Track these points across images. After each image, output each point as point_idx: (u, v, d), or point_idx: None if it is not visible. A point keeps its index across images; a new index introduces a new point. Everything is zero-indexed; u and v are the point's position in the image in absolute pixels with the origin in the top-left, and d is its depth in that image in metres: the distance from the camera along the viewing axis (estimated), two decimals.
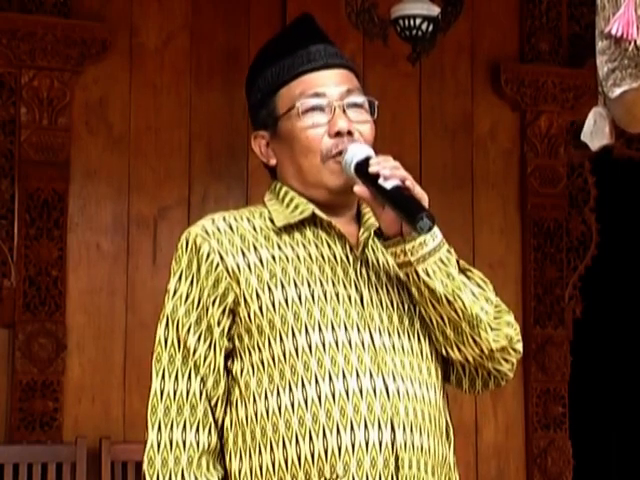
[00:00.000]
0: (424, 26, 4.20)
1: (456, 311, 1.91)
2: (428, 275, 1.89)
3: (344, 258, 1.94)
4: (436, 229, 1.90)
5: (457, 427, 4.89)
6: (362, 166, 1.90)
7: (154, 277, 4.36)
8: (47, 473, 4.09)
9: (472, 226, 4.92)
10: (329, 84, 1.97)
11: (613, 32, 1.97)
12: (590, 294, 5.16)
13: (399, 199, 1.85)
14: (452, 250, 1.94)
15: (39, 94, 4.33)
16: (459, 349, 1.95)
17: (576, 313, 5.01)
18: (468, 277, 1.96)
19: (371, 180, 1.87)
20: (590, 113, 2.13)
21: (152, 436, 1.89)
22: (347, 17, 4.29)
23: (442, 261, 1.90)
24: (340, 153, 1.94)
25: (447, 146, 4.92)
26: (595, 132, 2.11)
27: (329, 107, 1.96)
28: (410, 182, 1.87)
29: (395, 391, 1.86)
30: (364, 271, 1.94)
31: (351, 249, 1.95)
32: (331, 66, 1.99)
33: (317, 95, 1.96)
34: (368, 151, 1.93)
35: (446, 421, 1.99)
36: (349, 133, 1.95)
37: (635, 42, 1.97)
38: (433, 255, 1.89)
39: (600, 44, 2.02)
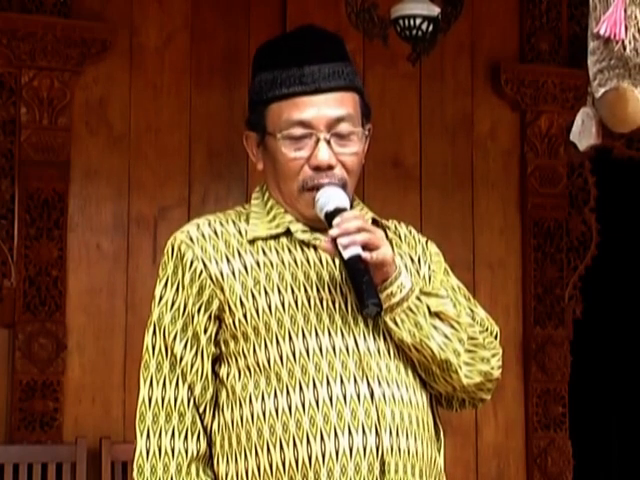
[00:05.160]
0: (424, 26, 4.20)
1: (425, 357, 1.92)
2: (396, 324, 1.89)
3: (330, 261, 1.93)
4: (404, 277, 1.89)
5: (457, 427, 4.92)
6: (329, 218, 1.88)
7: (154, 277, 4.31)
8: (47, 473, 4.09)
9: (472, 226, 4.92)
10: (317, 112, 1.93)
11: (602, 32, 1.98)
12: (590, 294, 5.16)
13: (353, 274, 1.84)
14: (422, 297, 1.92)
15: (39, 94, 4.33)
16: (432, 387, 1.98)
17: (576, 313, 5.01)
18: (441, 319, 1.94)
19: (333, 240, 1.85)
20: (578, 113, 2.14)
21: (141, 444, 1.91)
22: (347, 17, 4.29)
23: (411, 309, 1.90)
24: (317, 187, 1.92)
25: (447, 146, 4.92)
26: (583, 132, 2.13)
27: (313, 137, 1.93)
28: (368, 253, 1.83)
29: (381, 395, 1.86)
30: None
31: None
32: (324, 90, 1.94)
33: (302, 124, 1.93)
34: (338, 202, 1.90)
35: (435, 423, 1.99)
36: (329, 167, 1.92)
37: (622, 42, 1.97)
38: (401, 305, 1.89)
39: (591, 44, 2.03)
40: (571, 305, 5.01)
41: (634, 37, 1.98)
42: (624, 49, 1.97)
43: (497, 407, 4.81)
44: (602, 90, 2.02)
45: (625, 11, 1.96)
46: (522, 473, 4.89)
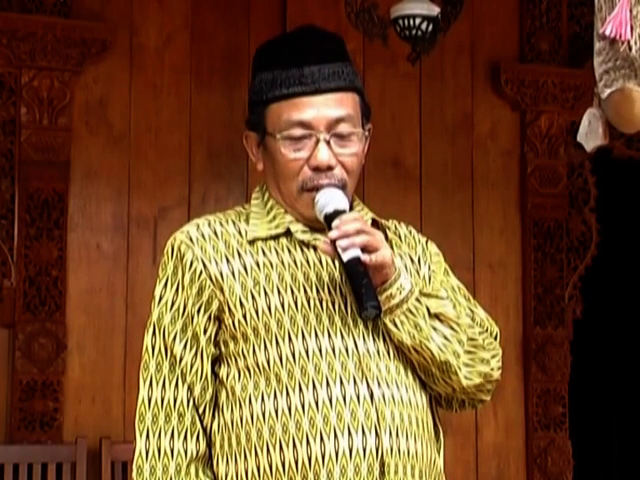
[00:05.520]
0: (424, 26, 4.20)
1: (425, 359, 1.92)
2: (396, 326, 1.89)
3: (330, 262, 1.93)
4: (403, 279, 1.89)
5: (457, 427, 4.92)
6: (329, 220, 1.88)
7: (154, 277, 4.31)
8: (47, 473, 4.09)
9: (472, 226, 4.92)
10: (317, 112, 1.92)
11: (607, 33, 1.98)
12: (590, 294, 5.16)
13: (352, 276, 1.84)
14: (422, 298, 1.92)
15: (39, 94, 4.33)
16: (431, 388, 1.97)
17: (576, 313, 5.01)
18: (441, 320, 1.93)
19: (333, 242, 1.85)
20: (585, 114, 2.14)
21: (140, 444, 1.91)
22: (347, 17, 4.29)
23: (410, 311, 1.90)
24: (316, 188, 1.92)
25: (447, 146, 4.92)
26: (590, 133, 2.13)
27: (312, 138, 1.92)
28: (367, 255, 1.83)
29: (380, 396, 1.86)
30: None
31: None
32: (324, 91, 1.94)
33: (301, 124, 1.92)
34: (337, 204, 1.89)
35: (435, 424, 1.99)
36: (329, 168, 1.92)
37: (628, 42, 1.97)
38: (400, 307, 1.89)
39: (597, 45, 2.03)
40: (571, 305, 5.01)
41: None
42: (630, 50, 1.97)
43: (497, 407, 4.81)
44: (608, 91, 2.02)
45: (630, 11, 1.96)
46: (522, 473, 4.89)
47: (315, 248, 1.94)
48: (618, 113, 2.04)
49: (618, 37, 1.97)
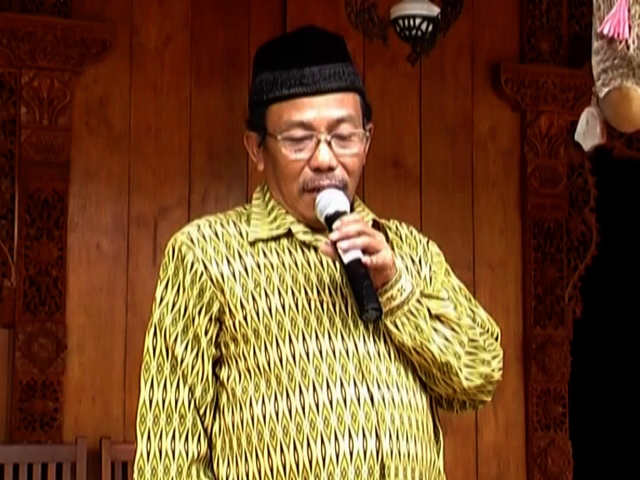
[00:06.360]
0: (424, 26, 4.20)
1: (426, 360, 1.92)
2: (397, 327, 1.89)
3: (331, 263, 1.93)
4: (404, 280, 1.89)
5: (457, 427, 4.92)
6: (330, 222, 1.88)
7: (154, 277, 4.30)
8: (47, 473, 4.09)
9: (472, 226, 4.92)
10: (317, 113, 1.92)
11: (605, 32, 1.98)
12: (590, 294, 5.16)
13: (352, 278, 1.83)
14: (423, 300, 1.92)
15: (39, 94, 4.33)
16: (432, 389, 1.97)
17: (576, 313, 5.01)
18: (442, 321, 1.93)
19: (334, 243, 1.85)
20: (583, 113, 2.14)
21: (141, 446, 1.91)
22: (347, 17, 4.29)
23: (411, 312, 1.89)
24: (317, 189, 1.92)
25: (447, 146, 4.92)
26: (587, 132, 2.13)
27: (313, 139, 1.92)
28: (368, 257, 1.83)
29: (380, 399, 1.86)
30: None
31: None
32: (325, 91, 1.93)
33: (302, 125, 1.92)
34: (338, 205, 1.89)
35: (435, 425, 1.99)
36: (330, 169, 1.92)
37: (626, 41, 1.98)
38: (401, 308, 1.89)
39: (595, 44, 2.03)
40: (571, 305, 5.01)
41: (638, 36, 1.98)
42: (628, 48, 1.97)
43: (497, 407, 4.81)
44: (606, 90, 2.02)
45: (629, 10, 1.96)
46: (522, 473, 4.89)
47: (316, 249, 1.93)
48: (616, 112, 2.04)
49: (616, 36, 1.97)
